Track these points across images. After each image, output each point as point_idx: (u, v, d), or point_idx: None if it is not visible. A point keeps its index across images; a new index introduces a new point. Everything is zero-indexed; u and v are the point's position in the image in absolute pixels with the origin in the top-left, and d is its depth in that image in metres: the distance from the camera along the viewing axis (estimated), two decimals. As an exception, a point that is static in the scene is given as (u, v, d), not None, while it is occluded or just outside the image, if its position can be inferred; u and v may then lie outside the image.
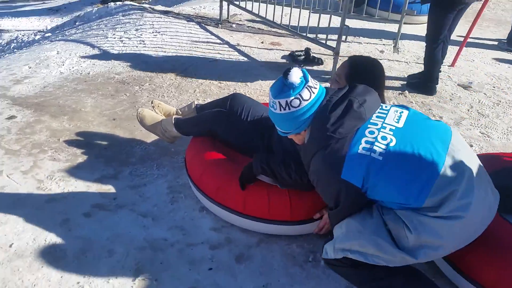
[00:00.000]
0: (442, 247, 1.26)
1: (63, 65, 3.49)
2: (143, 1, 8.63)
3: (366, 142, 1.27)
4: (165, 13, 4.78)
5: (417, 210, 1.25)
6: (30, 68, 3.46)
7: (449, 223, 1.21)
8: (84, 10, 11.28)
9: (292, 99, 1.33)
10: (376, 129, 1.31)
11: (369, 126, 1.32)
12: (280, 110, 1.37)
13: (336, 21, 3.62)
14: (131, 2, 4.97)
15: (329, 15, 3.57)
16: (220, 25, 4.50)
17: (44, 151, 2.31)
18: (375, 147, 1.26)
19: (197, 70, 3.45)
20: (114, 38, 4.03)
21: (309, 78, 1.37)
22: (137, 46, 3.85)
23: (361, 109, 1.32)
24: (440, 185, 1.21)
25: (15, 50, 5.20)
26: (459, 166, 1.25)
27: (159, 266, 1.64)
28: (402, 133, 1.30)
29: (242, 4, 4.25)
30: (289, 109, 1.35)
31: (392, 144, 1.26)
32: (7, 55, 4.90)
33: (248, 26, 4.58)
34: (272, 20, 3.92)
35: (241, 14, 4.83)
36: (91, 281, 1.56)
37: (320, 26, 3.57)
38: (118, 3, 5.08)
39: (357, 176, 1.26)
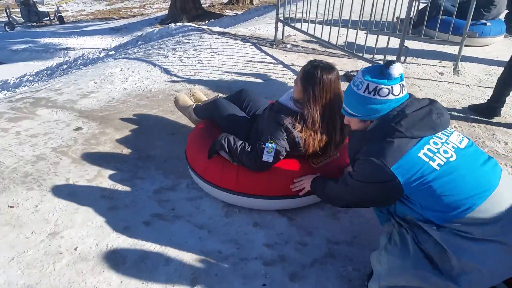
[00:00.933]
0: (484, 273, 1.22)
1: (126, 81, 3.69)
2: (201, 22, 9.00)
3: (429, 150, 1.30)
4: (222, 34, 4.95)
5: (454, 229, 1.26)
6: (96, 83, 3.69)
7: (489, 246, 1.21)
8: (143, 30, 11.99)
9: (382, 87, 1.35)
10: (441, 142, 1.33)
11: (434, 137, 1.34)
12: (364, 92, 1.37)
13: (394, 42, 3.57)
14: (191, 24, 5.19)
15: (386, 36, 3.53)
16: (274, 46, 4.58)
17: (108, 161, 2.44)
18: (435, 157, 1.29)
19: (251, 88, 3.51)
20: (174, 57, 4.22)
21: (404, 81, 1.39)
22: (195, 65, 4.00)
23: (437, 121, 1.36)
24: (486, 209, 1.23)
25: (81, 66, 5.58)
26: (505, 201, 1.26)
27: (214, 277, 1.66)
28: (463, 153, 1.33)
29: (298, 25, 4.31)
30: (374, 95, 1.36)
31: (452, 159, 1.29)
32: (74, 71, 5.26)
33: (303, 47, 4.63)
34: (327, 40, 3.94)
35: (295, 35, 4.89)
36: (149, 287, 1.60)
37: (377, 46, 3.54)
38: (178, 24, 5.32)
39: (406, 176, 1.27)
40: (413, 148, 1.29)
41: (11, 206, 2.01)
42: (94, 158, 2.46)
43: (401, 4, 3.83)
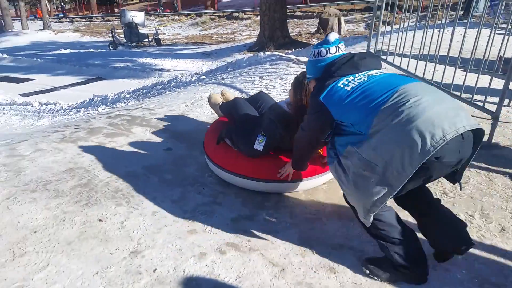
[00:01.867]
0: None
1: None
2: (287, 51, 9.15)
3: (347, 80, 1.72)
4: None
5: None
6: (187, 106, 3.89)
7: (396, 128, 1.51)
8: (232, 56, 12.52)
9: (321, 49, 1.86)
10: (359, 75, 1.74)
11: (356, 75, 1.74)
12: (312, 57, 1.91)
13: (496, 83, 3.29)
14: (279, 53, 5.29)
15: (488, 76, 3.26)
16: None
17: (192, 184, 2.51)
18: (349, 84, 1.69)
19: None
20: (261, 85, 4.31)
21: (341, 43, 1.88)
22: (280, 94, 4.05)
23: (359, 62, 1.77)
24: (395, 99, 1.54)
25: (174, 88, 5.94)
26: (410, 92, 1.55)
27: (287, 322, 1.59)
28: (376, 77, 1.68)
29: (390, 58, 4.17)
30: (317, 56, 1.88)
31: (363, 81, 1.68)
32: (167, 92, 5.61)
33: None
34: (422, 76, 3.75)
35: (386, 69, 4.74)
36: (221, 322, 1.58)
37: (477, 86, 3.28)
38: (267, 53, 5.46)
39: (330, 100, 1.70)
40: (335, 82, 1.73)
41: (100, 220, 2.14)
42: (180, 179, 2.55)
43: (506, 43, 3.54)
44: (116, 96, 7.16)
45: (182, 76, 6.61)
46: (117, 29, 18.52)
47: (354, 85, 1.67)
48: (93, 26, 29.43)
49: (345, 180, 1.69)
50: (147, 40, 17.37)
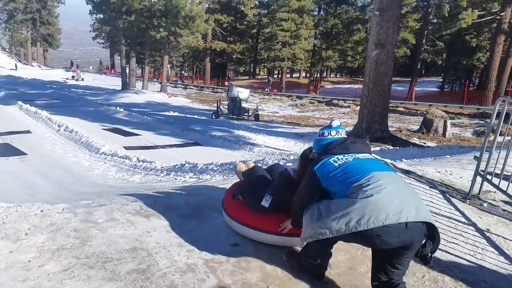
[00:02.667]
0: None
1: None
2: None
3: (337, 158, 2.19)
4: (407, 172, 4.56)
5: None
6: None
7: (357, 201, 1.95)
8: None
9: (324, 131, 2.37)
10: (348, 155, 2.20)
11: (346, 155, 2.20)
12: (317, 137, 2.41)
13: None
14: (375, 148, 4.96)
15: None
16: (467, 200, 3.92)
17: (252, 295, 2.23)
18: (338, 162, 2.16)
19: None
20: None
21: (342, 130, 2.37)
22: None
23: (349, 145, 2.25)
24: (362, 182, 1.99)
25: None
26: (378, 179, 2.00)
27: None
28: (359, 159, 2.16)
29: (503, 184, 3.62)
30: (320, 136, 2.38)
31: (348, 161, 2.15)
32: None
33: (504, 210, 3.83)
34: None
35: (495, 192, 4.13)
36: None
37: None
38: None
39: (321, 171, 2.17)
40: (328, 158, 2.20)
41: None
42: (239, 287, 2.28)
43: None
44: (204, 166, 7.34)
45: (269, 159, 6.57)
46: (223, 101, 19.89)
47: (341, 163, 2.14)
48: (203, 95, 32.20)
49: (308, 214, 2.17)
50: (247, 114, 18.28)
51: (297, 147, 12.07)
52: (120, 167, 8.43)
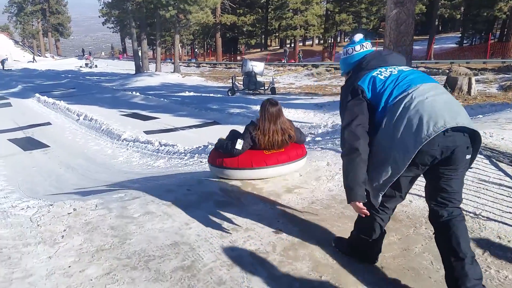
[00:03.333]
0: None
1: (333, 179, 3.42)
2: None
3: (379, 72, 2.03)
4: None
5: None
6: (301, 176, 3.54)
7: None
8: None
9: (348, 48, 2.21)
10: (391, 67, 2.05)
11: (387, 67, 2.06)
12: (343, 56, 2.25)
13: None
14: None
15: None
16: (516, 165, 3.67)
17: (303, 286, 2.09)
18: (383, 74, 2.01)
19: (483, 216, 2.75)
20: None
21: (367, 42, 2.19)
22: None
23: (387, 57, 2.13)
24: (409, 93, 1.87)
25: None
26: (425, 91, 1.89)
27: None
28: (404, 71, 2.01)
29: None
30: (346, 54, 2.22)
31: (394, 73, 2.00)
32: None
33: (557, 171, 3.56)
34: None
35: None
36: None
37: None
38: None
39: (365, 84, 1.99)
40: (369, 72, 2.04)
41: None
42: (289, 280, 2.14)
43: None
44: (228, 146, 7.18)
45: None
46: (237, 76, 19.55)
47: (386, 75, 2.00)
48: (216, 72, 31.80)
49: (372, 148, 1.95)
50: (263, 88, 17.94)
51: (318, 118, 11.79)
52: (143, 152, 8.38)
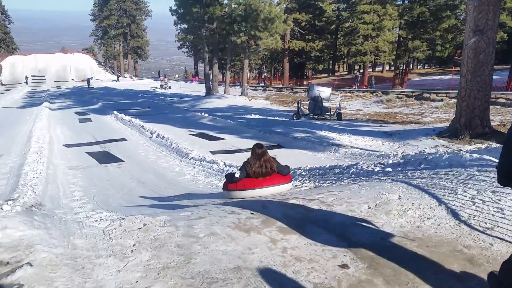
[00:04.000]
0: None
1: (404, 215, 3.22)
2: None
3: None
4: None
5: None
6: (370, 208, 3.39)
7: None
8: (418, 139, 11.52)
9: None
10: None
11: None
12: None
13: None
14: (490, 157, 4.36)
15: None
16: None
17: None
18: None
19: None
20: (465, 196, 3.50)
21: None
22: (493, 215, 3.15)
23: None
24: None
25: (353, 176, 5.51)
26: None
27: None
28: None
29: None
30: None
31: None
32: (345, 180, 5.21)
33: None
34: None
35: None
36: None
37: None
38: (474, 155, 4.58)
39: None
40: None
41: None
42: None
43: None
44: (292, 171, 7.13)
45: (363, 164, 6.14)
46: (303, 101, 19.57)
47: None
48: (282, 96, 32.16)
49: None
50: (329, 113, 17.75)
51: (386, 147, 11.33)
52: (209, 172, 8.59)
